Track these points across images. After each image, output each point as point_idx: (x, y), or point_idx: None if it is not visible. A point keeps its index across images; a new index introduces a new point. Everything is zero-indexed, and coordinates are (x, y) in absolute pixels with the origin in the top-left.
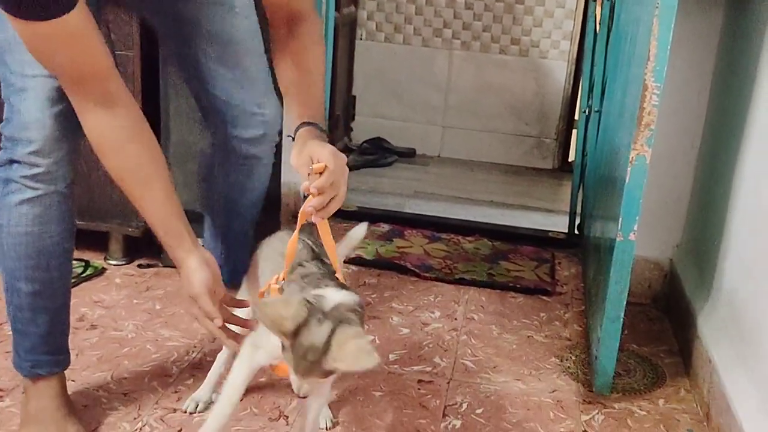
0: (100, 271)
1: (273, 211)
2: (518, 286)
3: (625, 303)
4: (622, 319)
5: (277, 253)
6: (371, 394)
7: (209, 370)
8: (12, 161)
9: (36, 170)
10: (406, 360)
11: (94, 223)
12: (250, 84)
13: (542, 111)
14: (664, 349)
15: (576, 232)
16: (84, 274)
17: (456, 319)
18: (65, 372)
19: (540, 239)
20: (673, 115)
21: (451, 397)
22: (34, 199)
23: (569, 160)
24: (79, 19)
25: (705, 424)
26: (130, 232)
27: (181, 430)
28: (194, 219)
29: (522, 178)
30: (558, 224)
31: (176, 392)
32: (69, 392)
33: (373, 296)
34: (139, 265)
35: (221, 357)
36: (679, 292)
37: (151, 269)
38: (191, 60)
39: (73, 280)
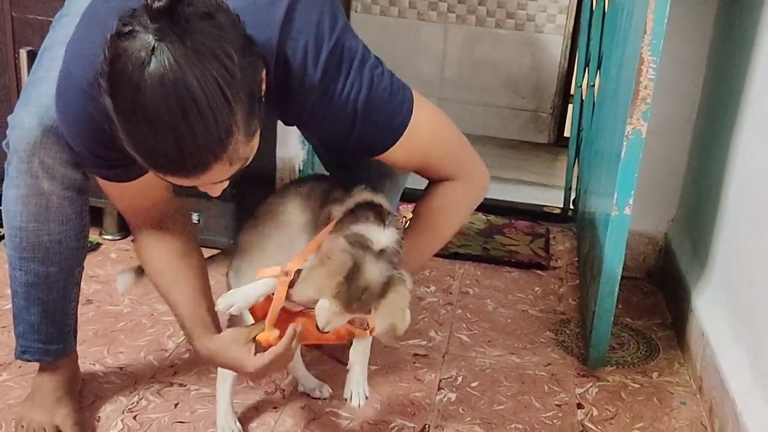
0: (95, 246)
1: (267, 186)
2: (513, 260)
3: (619, 278)
4: (616, 294)
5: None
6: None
7: None
8: (10, 148)
9: (25, 162)
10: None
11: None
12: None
13: (538, 85)
14: (658, 323)
15: (571, 207)
16: None
17: (451, 293)
18: None
19: (535, 214)
20: (669, 89)
21: (446, 371)
22: (28, 197)
23: (565, 134)
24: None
25: (698, 396)
26: None
27: (177, 404)
28: None
29: (517, 152)
30: (552, 199)
31: (172, 366)
32: None
33: None
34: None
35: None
36: (673, 266)
37: None
38: None
39: None
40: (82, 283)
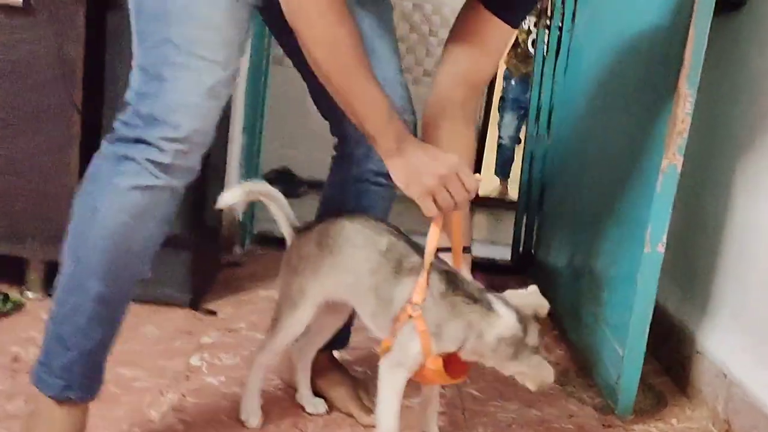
0: (17, 306)
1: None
2: None
3: (651, 318)
4: (647, 336)
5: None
6: None
7: (195, 412)
8: (139, 140)
9: (167, 159)
10: (408, 392)
11: (9, 247)
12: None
13: None
14: (650, 369)
15: (519, 262)
16: (4, 309)
17: None
18: None
19: (488, 266)
20: None
21: (472, 427)
22: (148, 188)
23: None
24: None
25: None
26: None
27: None
28: None
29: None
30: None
31: None
32: None
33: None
34: None
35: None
36: (660, 311)
37: None
38: None
39: None
40: (18, 347)
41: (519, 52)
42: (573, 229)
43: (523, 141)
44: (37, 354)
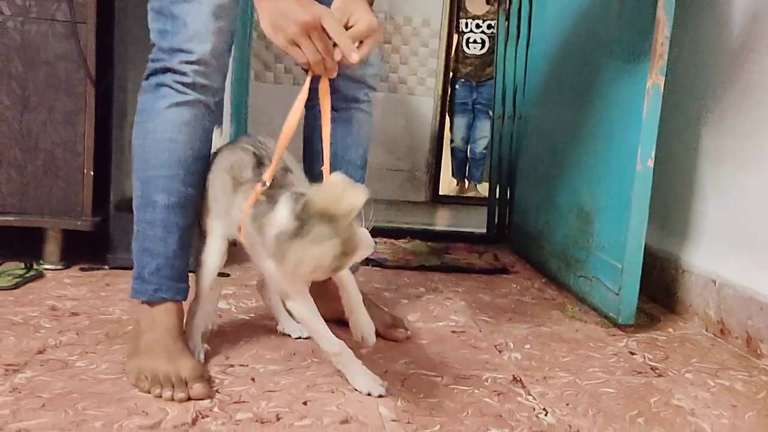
0: (39, 275)
1: None
2: (477, 269)
3: (645, 231)
4: (643, 249)
5: (222, 170)
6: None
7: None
8: (167, 69)
9: (189, 78)
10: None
11: (28, 219)
12: None
13: (412, 145)
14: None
15: (495, 231)
16: (28, 275)
17: (443, 292)
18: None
19: (468, 237)
20: None
21: (492, 340)
22: (183, 103)
23: (440, 192)
24: None
25: (723, 338)
26: (80, 225)
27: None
28: None
29: (399, 211)
30: None
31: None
32: (101, 375)
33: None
34: (82, 269)
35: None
36: None
37: (99, 272)
38: None
39: (16, 281)
40: (53, 301)
41: (458, 54)
42: (550, 186)
43: (490, 126)
44: (76, 304)
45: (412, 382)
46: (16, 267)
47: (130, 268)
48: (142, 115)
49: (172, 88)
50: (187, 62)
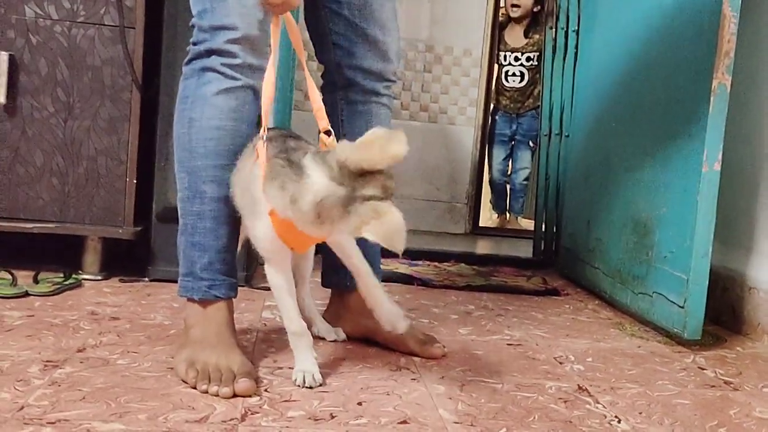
0: (78, 284)
1: None
2: (527, 290)
3: (713, 236)
4: (710, 255)
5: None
6: None
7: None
8: (211, 51)
9: (238, 60)
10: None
11: (68, 226)
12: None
13: (452, 176)
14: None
15: (541, 256)
16: (66, 283)
17: (499, 314)
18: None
19: (513, 261)
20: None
21: (550, 353)
22: (231, 90)
23: (480, 224)
24: None
25: None
26: (121, 233)
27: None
28: None
29: (438, 240)
30: None
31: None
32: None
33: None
34: (122, 280)
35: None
36: None
37: (138, 284)
38: None
39: (55, 287)
40: (92, 307)
41: (498, 87)
42: (601, 203)
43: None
44: (116, 310)
45: (471, 388)
46: (54, 276)
47: (172, 281)
48: (185, 101)
49: (220, 72)
50: (232, 40)
